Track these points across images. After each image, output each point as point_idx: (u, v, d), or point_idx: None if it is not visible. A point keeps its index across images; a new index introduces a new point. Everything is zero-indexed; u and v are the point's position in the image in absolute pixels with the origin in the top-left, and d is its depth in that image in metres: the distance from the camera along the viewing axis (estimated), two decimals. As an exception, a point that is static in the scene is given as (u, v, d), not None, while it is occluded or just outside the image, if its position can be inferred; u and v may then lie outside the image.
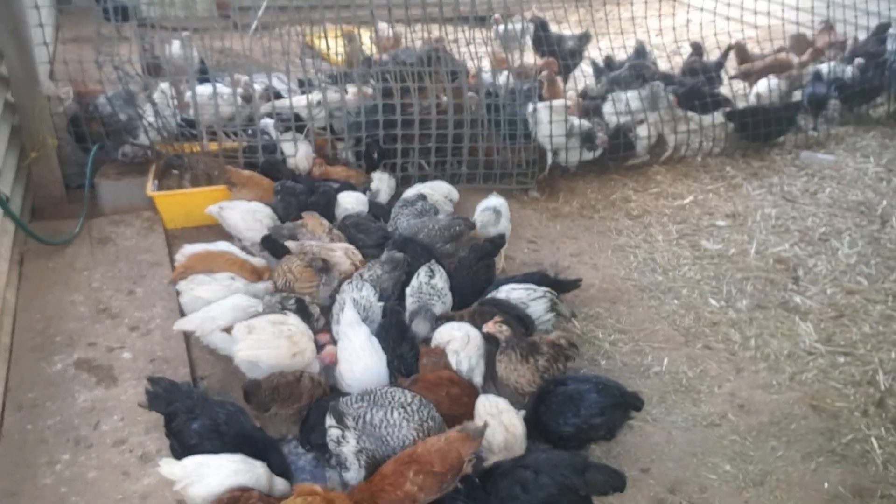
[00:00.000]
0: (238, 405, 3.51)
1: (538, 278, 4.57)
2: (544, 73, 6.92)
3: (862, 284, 5.06)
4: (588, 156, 6.41)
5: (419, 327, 4.11)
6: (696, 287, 5.05)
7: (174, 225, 5.41)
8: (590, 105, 6.90)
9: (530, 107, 6.22)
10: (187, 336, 4.27)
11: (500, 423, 3.39)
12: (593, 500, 3.18)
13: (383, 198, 5.74)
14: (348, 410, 3.33)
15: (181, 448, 3.26)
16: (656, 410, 3.98)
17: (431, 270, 4.33)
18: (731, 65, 8.31)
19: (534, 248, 5.49)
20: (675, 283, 5.10)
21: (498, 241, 4.79)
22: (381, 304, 4.24)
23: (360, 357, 3.79)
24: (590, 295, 4.93)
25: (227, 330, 3.94)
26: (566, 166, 6.44)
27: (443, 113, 5.99)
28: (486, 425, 3.28)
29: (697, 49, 8.23)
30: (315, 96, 6.08)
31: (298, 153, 5.83)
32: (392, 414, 3.30)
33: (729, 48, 8.09)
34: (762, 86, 7.50)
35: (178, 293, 4.38)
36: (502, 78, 6.57)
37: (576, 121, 6.31)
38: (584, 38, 8.22)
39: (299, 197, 5.22)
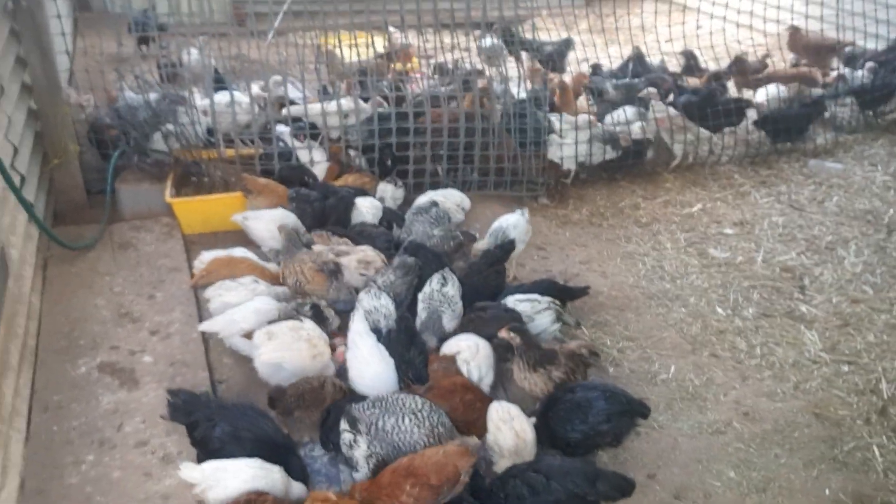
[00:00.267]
0: (258, 408, 3.62)
1: (546, 286, 4.64)
2: (556, 80, 7.01)
3: (867, 294, 5.12)
4: (612, 154, 6.47)
5: (428, 340, 4.21)
6: (703, 295, 5.12)
7: (191, 231, 5.53)
8: (607, 108, 6.98)
9: (555, 139, 6.24)
10: (206, 340, 4.39)
11: (511, 428, 3.47)
12: (600, 504, 3.27)
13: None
14: (361, 416, 3.44)
15: (206, 454, 3.37)
16: (663, 417, 4.06)
17: (444, 278, 4.41)
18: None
19: (543, 255, 5.58)
20: (682, 290, 5.18)
21: (507, 247, 4.84)
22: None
23: (369, 364, 3.89)
24: (598, 302, 5.01)
25: (248, 335, 4.07)
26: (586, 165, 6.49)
27: (455, 121, 6.07)
28: (484, 441, 3.40)
29: (690, 57, 8.30)
30: (332, 106, 6.14)
31: (317, 159, 5.90)
32: (403, 420, 3.40)
33: (737, 58, 8.14)
34: (762, 95, 7.55)
35: (206, 300, 4.48)
36: (514, 86, 6.64)
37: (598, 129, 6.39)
38: (566, 44, 8.31)
39: (314, 204, 5.26)
